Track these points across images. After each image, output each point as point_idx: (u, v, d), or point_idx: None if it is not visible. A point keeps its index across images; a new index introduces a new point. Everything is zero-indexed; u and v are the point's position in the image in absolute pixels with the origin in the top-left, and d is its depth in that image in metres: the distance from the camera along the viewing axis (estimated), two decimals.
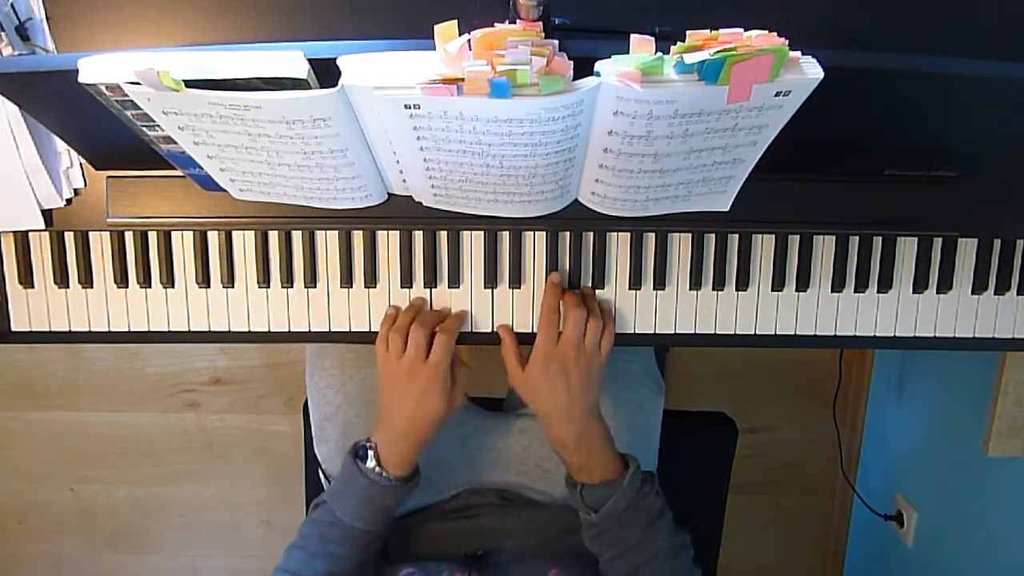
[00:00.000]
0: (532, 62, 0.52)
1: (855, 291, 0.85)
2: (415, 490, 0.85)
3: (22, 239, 0.82)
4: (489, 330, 0.84)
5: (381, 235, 0.82)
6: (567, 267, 0.83)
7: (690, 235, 0.83)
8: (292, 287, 0.83)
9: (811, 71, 0.54)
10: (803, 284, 0.84)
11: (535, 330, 0.82)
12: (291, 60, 0.55)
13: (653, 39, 0.53)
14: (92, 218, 0.79)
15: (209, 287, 0.83)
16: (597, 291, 0.83)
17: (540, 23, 0.56)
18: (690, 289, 0.84)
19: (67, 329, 0.84)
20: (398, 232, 0.82)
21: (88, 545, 1.89)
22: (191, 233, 0.82)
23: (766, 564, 1.84)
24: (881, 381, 1.67)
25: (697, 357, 1.71)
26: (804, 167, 0.76)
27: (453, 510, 0.97)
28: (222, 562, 1.90)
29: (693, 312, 0.85)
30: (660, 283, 0.83)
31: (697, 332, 0.85)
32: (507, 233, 0.82)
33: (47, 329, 0.84)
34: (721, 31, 0.53)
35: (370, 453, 0.81)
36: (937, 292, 0.85)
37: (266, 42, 0.63)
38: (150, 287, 0.83)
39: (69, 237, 0.82)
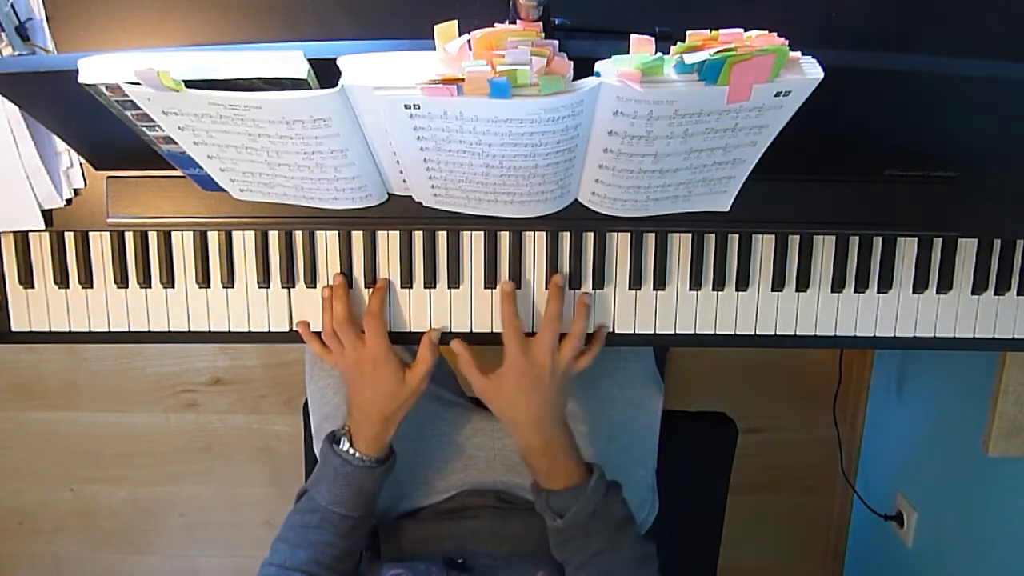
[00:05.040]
0: (532, 62, 0.52)
1: (855, 291, 0.85)
2: (391, 473, 0.86)
3: (22, 239, 0.82)
4: (489, 330, 0.84)
5: (381, 235, 0.82)
6: (567, 267, 0.83)
7: (690, 235, 0.83)
8: (292, 287, 0.83)
9: (811, 71, 0.54)
10: (803, 284, 0.84)
11: (535, 331, 0.82)
12: (291, 60, 0.55)
13: (653, 39, 0.53)
14: (92, 218, 0.79)
15: (209, 287, 0.83)
16: (597, 291, 0.84)
17: (540, 23, 0.55)
18: (690, 289, 0.84)
19: (67, 329, 0.84)
20: (398, 232, 0.82)
21: (88, 545, 1.89)
22: (191, 233, 0.82)
23: (766, 564, 1.84)
24: (881, 381, 1.67)
25: (697, 357, 1.71)
26: (804, 167, 0.76)
27: (449, 511, 0.97)
28: (222, 562, 1.90)
29: (693, 312, 0.85)
30: (660, 283, 0.83)
31: (697, 332, 0.85)
32: (507, 233, 0.82)
33: (47, 329, 0.84)
34: (721, 31, 0.53)
35: (343, 437, 0.84)
36: (937, 292, 0.85)
37: (266, 42, 0.64)
38: (150, 287, 0.83)
39: (69, 237, 0.82)
